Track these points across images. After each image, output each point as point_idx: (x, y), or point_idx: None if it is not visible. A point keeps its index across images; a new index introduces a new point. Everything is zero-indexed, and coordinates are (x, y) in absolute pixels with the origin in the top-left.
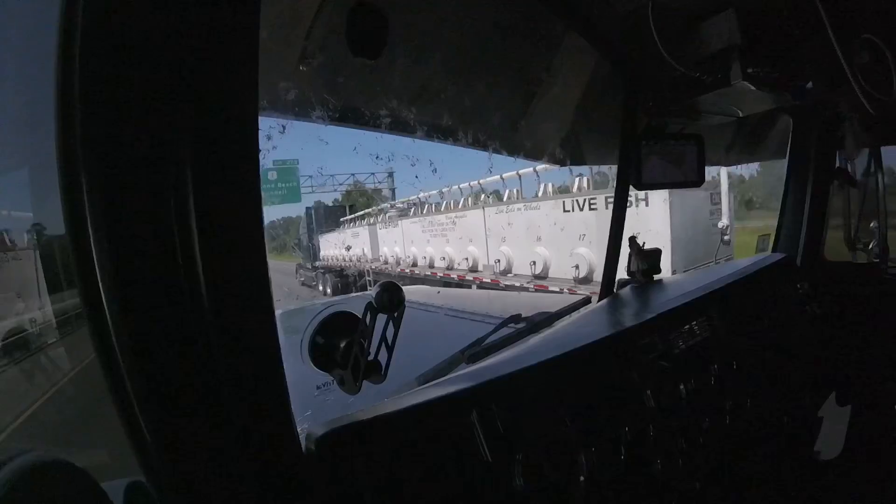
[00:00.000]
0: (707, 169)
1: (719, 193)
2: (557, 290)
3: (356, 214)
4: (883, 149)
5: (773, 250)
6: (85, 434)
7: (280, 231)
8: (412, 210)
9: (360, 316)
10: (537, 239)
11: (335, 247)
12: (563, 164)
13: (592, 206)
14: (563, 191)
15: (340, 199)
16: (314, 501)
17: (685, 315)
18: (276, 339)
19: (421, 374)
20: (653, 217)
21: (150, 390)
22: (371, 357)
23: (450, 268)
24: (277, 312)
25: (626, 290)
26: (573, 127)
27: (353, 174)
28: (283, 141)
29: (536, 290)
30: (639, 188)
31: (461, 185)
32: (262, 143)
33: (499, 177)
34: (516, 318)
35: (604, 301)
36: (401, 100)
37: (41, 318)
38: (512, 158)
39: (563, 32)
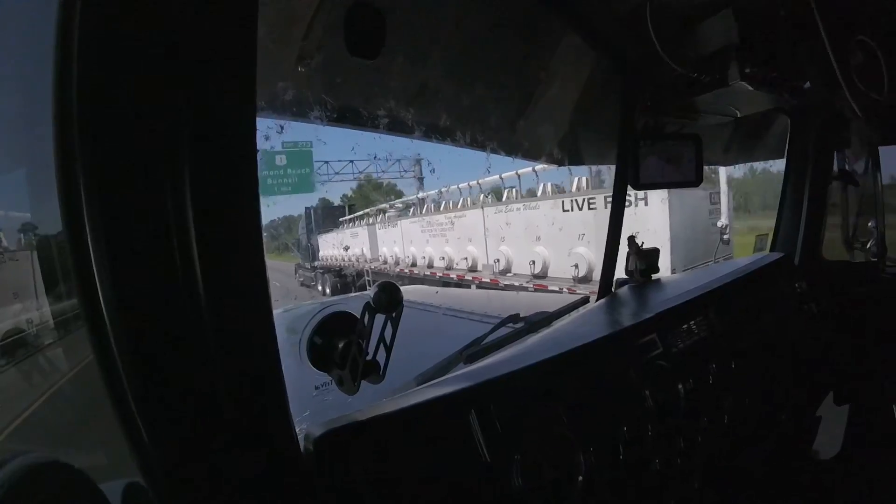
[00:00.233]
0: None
1: (718, 193)
2: (557, 289)
3: (355, 214)
4: (881, 148)
5: (771, 249)
6: (83, 435)
7: (282, 230)
8: (422, 207)
9: (358, 316)
10: (536, 238)
11: (334, 247)
12: (561, 163)
13: (591, 206)
14: (563, 191)
15: (359, 189)
16: (313, 502)
17: (683, 314)
18: (274, 340)
19: (419, 374)
20: (652, 217)
21: (147, 391)
22: (369, 357)
23: (449, 268)
24: (276, 312)
25: (625, 290)
26: (571, 126)
27: (375, 156)
28: (281, 141)
29: (536, 290)
30: (637, 188)
31: (471, 183)
32: (261, 144)
33: (498, 176)
34: (515, 318)
35: (602, 300)
36: (399, 100)
37: (38, 319)
38: (510, 158)
39: (561, 32)
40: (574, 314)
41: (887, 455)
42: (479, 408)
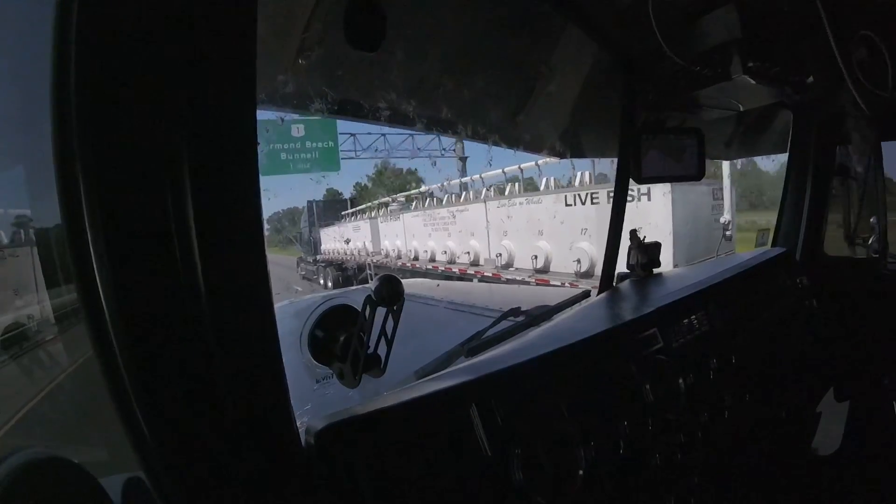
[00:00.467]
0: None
1: (721, 188)
2: (559, 284)
3: (357, 208)
4: (883, 144)
5: (773, 244)
6: (83, 431)
7: (285, 222)
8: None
9: (359, 309)
10: (539, 233)
11: (336, 240)
12: (562, 157)
13: (594, 201)
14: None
15: (378, 174)
16: (314, 495)
17: (684, 309)
18: (275, 334)
19: (420, 368)
20: (654, 211)
21: (148, 386)
22: (370, 350)
23: (451, 262)
24: (277, 305)
25: (626, 284)
26: (573, 120)
27: (411, 134)
28: None
29: (538, 285)
30: (639, 182)
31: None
32: (261, 136)
33: (501, 170)
34: (516, 312)
35: (603, 294)
36: (400, 92)
37: (39, 314)
38: (512, 151)
39: (563, 26)
40: (575, 308)
41: (887, 452)
42: (479, 401)
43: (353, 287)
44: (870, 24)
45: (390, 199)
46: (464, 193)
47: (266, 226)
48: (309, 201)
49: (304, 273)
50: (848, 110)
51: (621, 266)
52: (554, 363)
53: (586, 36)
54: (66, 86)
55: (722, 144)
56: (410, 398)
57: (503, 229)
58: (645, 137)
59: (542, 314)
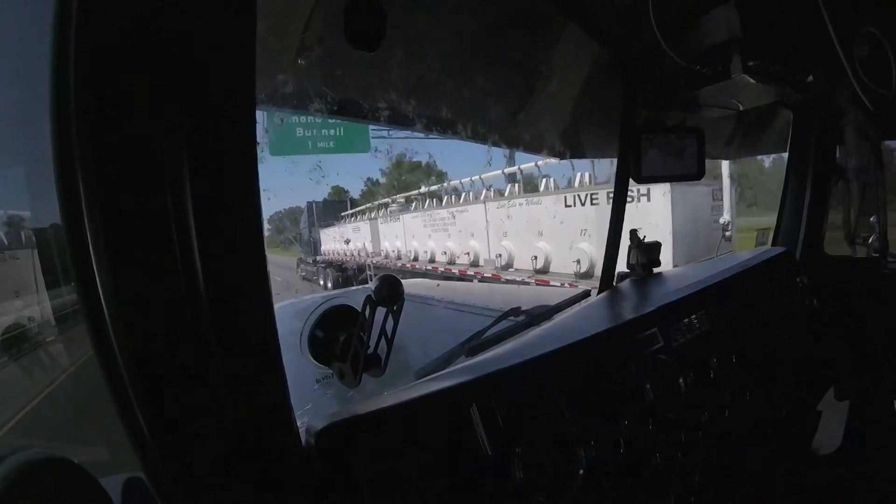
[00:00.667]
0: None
1: (721, 189)
2: (558, 284)
3: (357, 209)
4: (884, 143)
5: (773, 244)
6: (83, 430)
7: (287, 222)
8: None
9: (359, 309)
10: (539, 234)
11: (336, 241)
12: (562, 157)
13: (594, 201)
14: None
15: (397, 166)
16: (314, 495)
17: (684, 308)
18: (275, 335)
19: (420, 368)
20: (654, 212)
21: (148, 386)
22: (371, 350)
23: (451, 262)
24: (277, 306)
25: (626, 284)
26: (573, 120)
27: None
28: None
29: (537, 285)
30: (639, 181)
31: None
32: (261, 136)
33: (501, 172)
34: (516, 311)
35: (603, 294)
36: (399, 92)
37: (39, 315)
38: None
39: (563, 25)
40: (575, 308)
41: (888, 450)
42: (480, 401)
43: (354, 287)
44: (872, 20)
45: (390, 200)
46: (483, 192)
47: (267, 226)
48: (308, 202)
49: (303, 274)
50: (848, 109)
51: (621, 266)
52: (554, 363)
53: (586, 35)
54: (66, 86)
55: (722, 144)
56: (411, 398)
57: (503, 230)
58: (645, 137)
59: (543, 314)
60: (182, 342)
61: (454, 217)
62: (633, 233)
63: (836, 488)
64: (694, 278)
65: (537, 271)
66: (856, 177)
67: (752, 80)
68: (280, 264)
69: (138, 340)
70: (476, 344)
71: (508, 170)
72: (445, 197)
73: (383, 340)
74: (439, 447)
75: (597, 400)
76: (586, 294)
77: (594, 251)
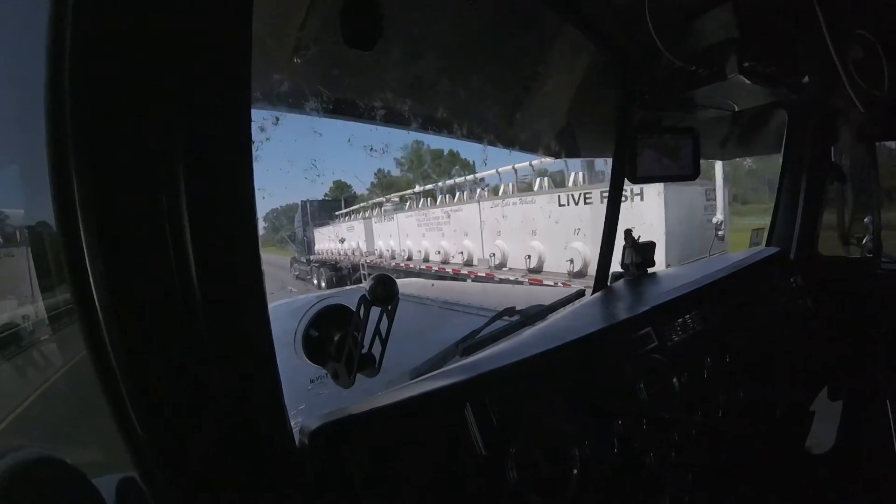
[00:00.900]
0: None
1: (714, 189)
2: (552, 283)
3: (351, 208)
4: (878, 144)
5: (767, 244)
6: (77, 431)
7: (283, 220)
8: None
9: (353, 309)
10: (532, 233)
11: (330, 240)
12: (558, 156)
13: (588, 201)
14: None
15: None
16: (308, 495)
17: (679, 308)
18: (269, 335)
19: (415, 367)
20: (647, 212)
21: (142, 386)
22: (365, 350)
23: (445, 262)
24: (271, 305)
25: (620, 283)
26: (569, 120)
27: None
28: (276, 132)
29: (531, 284)
30: (634, 181)
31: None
32: (256, 135)
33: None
34: (510, 311)
35: (598, 294)
36: (396, 91)
37: (34, 314)
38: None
39: (559, 25)
40: (570, 307)
41: (880, 450)
42: (474, 401)
43: (348, 287)
44: (866, 23)
45: (384, 199)
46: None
47: (263, 223)
48: (303, 201)
49: (297, 273)
50: (843, 110)
51: (615, 266)
52: (548, 362)
53: (583, 35)
54: (61, 86)
55: (718, 144)
56: (405, 398)
57: (497, 229)
58: (640, 137)
59: (537, 313)
60: (176, 342)
61: (449, 216)
62: (628, 233)
63: (829, 488)
64: (688, 278)
65: (531, 270)
66: (850, 177)
67: (747, 81)
68: (274, 263)
69: (132, 340)
70: (470, 343)
71: (535, 161)
72: (440, 196)
73: (378, 340)
74: (434, 447)
75: (591, 399)
76: (581, 294)
77: (588, 250)
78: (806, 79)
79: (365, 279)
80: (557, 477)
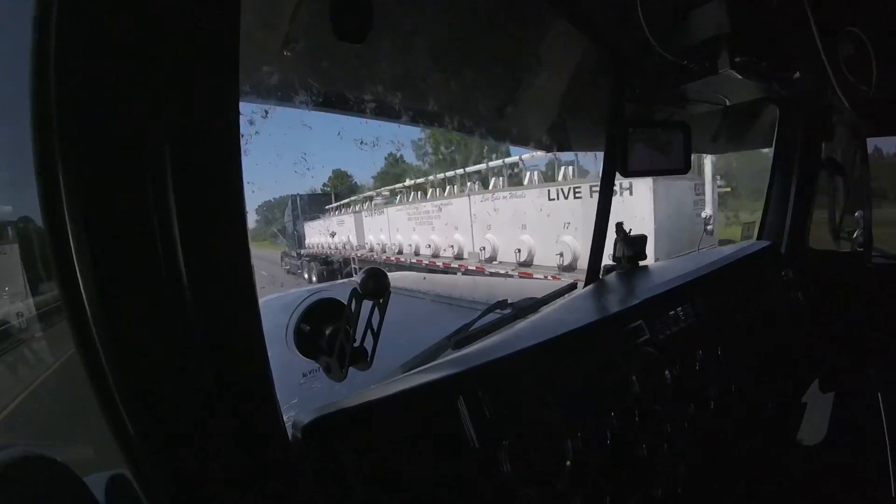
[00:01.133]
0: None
1: (703, 184)
2: (542, 277)
3: (341, 202)
4: (869, 139)
5: (758, 238)
6: (67, 428)
7: (277, 213)
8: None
9: (345, 302)
10: (522, 227)
11: (320, 234)
12: (549, 150)
13: (577, 195)
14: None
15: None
16: (302, 490)
17: (670, 301)
18: (260, 330)
19: (407, 361)
20: (637, 206)
21: (132, 382)
22: (357, 344)
23: (435, 255)
24: (262, 300)
25: (612, 277)
26: (560, 114)
27: None
28: (266, 125)
29: (521, 278)
30: (625, 175)
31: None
32: (245, 128)
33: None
34: (502, 304)
35: (590, 287)
36: (386, 84)
37: (26, 311)
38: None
39: (551, 19)
40: (562, 300)
41: (871, 442)
42: (467, 394)
43: (340, 281)
44: (855, 20)
45: (374, 193)
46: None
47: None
48: (292, 196)
49: (288, 267)
50: (834, 106)
51: (606, 259)
52: (541, 355)
53: (575, 29)
54: (47, 82)
55: (709, 138)
56: (398, 391)
57: (487, 223)
58: (632, 131)
59: (529, 307)
60: (165, 338)
61: (440, 210)
62: (619, 226)
63: (820, 479)
64: (680, 271)
65: (521, 264)
66: (841, 172)
67: (738, 76)
68: (263, 258)
69: (121, 336)
70: (463, 337)
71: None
72: (430, 190)
73: (370, 334)
74: (427, 440)
75: (583, 392)
76: (572, 287)
77: (577, 244)
78: (797, 74)
79: (355, 273)
80: (551, 469)
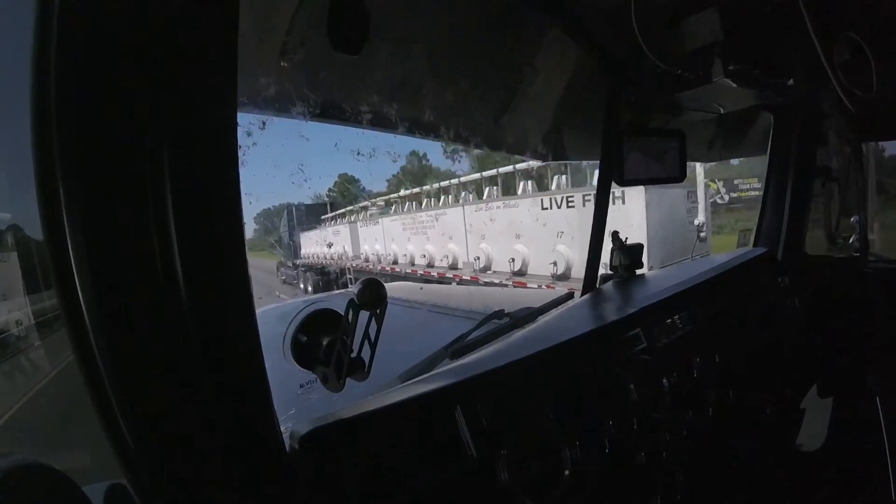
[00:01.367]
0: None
1: (696, 191)
2: (536, 286)
3: (337, 212)
4: (863, 144)
5: (754, 245)
6: (65, 436)
7: (276, 221)
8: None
9: (342, 313)
10: (516, 236)
11: (316, 245)
12: (545, 159)
13: (570, 204)
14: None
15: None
16: (299, 500)
17: (667, 309)
18: (257, 340)
19: (405, 371)
20: (630, 214)
21: (130, 392)
22: (354, 354)
23: (430, 265)
24: (260, 310)
25: (609, 285)
26: (556, 123)
27: None
28: (263, 137)
29: (515, 287)
30: (621, 184)
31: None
32: (243, 139)
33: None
34: (499, 314)
35: (586, 296)
36: (382, 95)
37: (27, 318)
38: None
39: (545, 28)
40: (559, 310)
41: (871, 447)
42: (464, 403)
43: (336, 291)
44: (853, 25)
45: (370, 203)
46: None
47: (254, 225)
48: (288, 206)
49: (284, 277)
50: (828, 111)
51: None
52: (538, 364)
53: (569, 38)
54: (47, 86)
55: (704, 146)
56: (395, 401)
57: (481, 233)
58: (627, 140)
59: (526, 316)
60: (163, 346)
61: (435, 219)
62: (616, 235)
63: (819, 485)
64: (676, 279)
65: (515, 273)
66: (836, 178)
67: (732, 84)
68: (259, 268)
69: (119, 345)
70: (460, 346)
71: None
72: (425, 200)
73: (367, 344)
74: (424, 450)
75: (581, 400)
76: (570, 296)
77: (571, 253)
78: (791, 81)
79: (351, 283)
80: (549, 478)
